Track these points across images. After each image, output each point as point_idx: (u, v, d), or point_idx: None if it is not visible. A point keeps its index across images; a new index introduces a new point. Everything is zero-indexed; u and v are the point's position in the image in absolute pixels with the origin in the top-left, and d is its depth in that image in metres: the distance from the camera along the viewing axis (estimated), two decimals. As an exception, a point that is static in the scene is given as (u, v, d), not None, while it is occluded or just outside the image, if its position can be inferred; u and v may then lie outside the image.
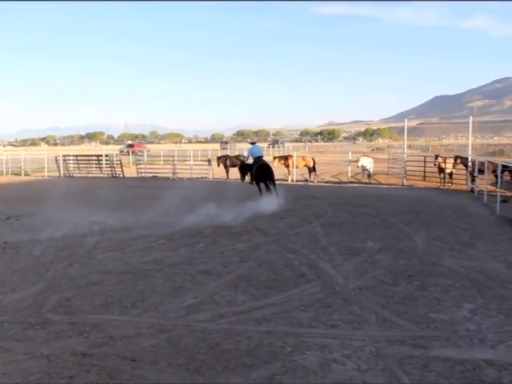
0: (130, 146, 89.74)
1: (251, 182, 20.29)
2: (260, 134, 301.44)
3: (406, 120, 31.37)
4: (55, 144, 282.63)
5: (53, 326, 6.36)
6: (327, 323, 6.34)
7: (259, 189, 19.51)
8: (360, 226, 13.27)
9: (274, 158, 31.29)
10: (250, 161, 20.36)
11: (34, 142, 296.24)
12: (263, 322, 6.39)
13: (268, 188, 19.14)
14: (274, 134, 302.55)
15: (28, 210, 16.80)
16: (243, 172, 21.62)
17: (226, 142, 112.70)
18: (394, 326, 6.22)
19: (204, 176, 30.62)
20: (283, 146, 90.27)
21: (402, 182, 26.19)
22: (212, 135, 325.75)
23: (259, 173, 19.51)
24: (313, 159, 29.81)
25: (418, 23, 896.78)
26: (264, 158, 20.32)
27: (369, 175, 28.04)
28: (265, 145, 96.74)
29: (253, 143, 20.92)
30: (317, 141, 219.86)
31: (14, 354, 5.55)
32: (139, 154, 50.11)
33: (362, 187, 24.88)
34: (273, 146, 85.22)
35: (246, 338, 5.85)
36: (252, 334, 5.95)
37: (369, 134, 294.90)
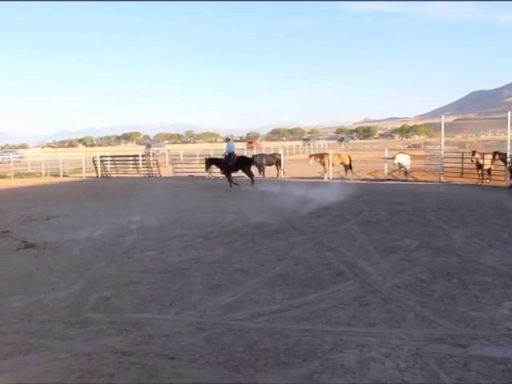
0: (149, 146, 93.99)
1: (225, 172, 25.12)
2: (295, 132, 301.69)
3: (442, 116, 30.94)
4: (92, 145, 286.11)
5: (93, 324, 6.43)
6: (365, 321, 6.30)
7: (230, 180, 24.48)
8: (397, 223, 13.17)
9: (310, 155, 31.23)
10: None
11: (71, 143, 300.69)
12: (301, 320, 6.37)
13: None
14: (308, 132, 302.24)
15: (67, 211, 17.02)
16: (209, 164, 26.77)
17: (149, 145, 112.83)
18: (433, 325, 6.16)
19: (240, 175, 30.68)
20: (313, 144, 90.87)
21: (440, 179, 25.94)
22: (247, 134, 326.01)
23: (242, 162, 24.77)
24: (349, 157, 29.72)
25: (454, 18, 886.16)
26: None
27: (405, 172, 27.83)
28: (299, 143, 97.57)
29: (228, 139, 25.03)
30: (352, 138, 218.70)
31: (56, 352, 5.62)
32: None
33: (398, 184, 24.67)
34: (305, 145, 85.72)
35: (284, 336, 5.84)
36: (290, 333, 5.93)
37: (405, 131, 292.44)
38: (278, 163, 30.74)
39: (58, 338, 6.04)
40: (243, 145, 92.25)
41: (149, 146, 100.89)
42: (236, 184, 24.40)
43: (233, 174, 24.94)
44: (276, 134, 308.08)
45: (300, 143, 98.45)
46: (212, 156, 30.07)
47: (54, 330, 6.27)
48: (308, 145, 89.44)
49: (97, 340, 5.91)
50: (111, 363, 5.28)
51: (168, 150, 60.70)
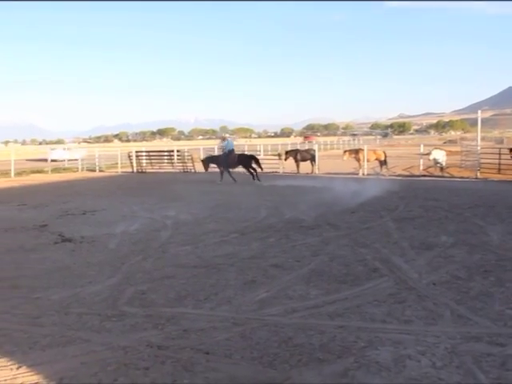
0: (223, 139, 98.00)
1: (224, 169, 26.08)
2: (330, 128, 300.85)
3: (479, 111, 30.51)
4: (127, 140, 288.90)
5: (129, 318, 6.49)
6: (401, 319, 6.26)
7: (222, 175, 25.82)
8: (433, 220, 13.06)
9: (345, 151, 31.13)
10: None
11: (107, 139, 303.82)
12: (336, 316, 6.36)
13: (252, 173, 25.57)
14: (343, 128, 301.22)
15: (103, 205, 17.21)
16: (208, 164, 27.83)
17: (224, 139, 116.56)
18: (470, 323, 6.10)
19: (274, 170, 30.67)
20: (358, 140, 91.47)
21: (476, 175, 25.64)
22: (282, 129, 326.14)
23: (243, 160, 26.28)
24: (384, 152, 29.53)
25: (490, 12, 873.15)
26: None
27: (441, 168, 27.52)
28: (334, 138, 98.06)
29: (224, 138, 25.90)
30: (387, 134, 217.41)
31: (92, 344, 5.70)
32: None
33: (434, 181, 24.47)
34: (354, 140, 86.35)
35: (318, 332, 5.84)
36: (325, 329, 5.93)
37: (441, 127, 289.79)
38: (312, 159, 30.68)
39: (94, 330, 6.12)
40: (297, 139, 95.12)
41: (224, 140, 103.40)
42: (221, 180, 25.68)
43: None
44: (310, 130, 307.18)
45: (346, 138, 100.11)
46: (210, 155, 31.08)
47: (91, 323, 6.35)
48: (357, 140, 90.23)
49: (133, 333, 5.97)
50: (147, 357, 5.33)
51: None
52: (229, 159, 25.88)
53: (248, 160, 26.62)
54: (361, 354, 5.25)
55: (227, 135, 27.94)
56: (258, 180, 25.19)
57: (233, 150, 26.60)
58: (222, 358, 5.24)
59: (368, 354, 5.24)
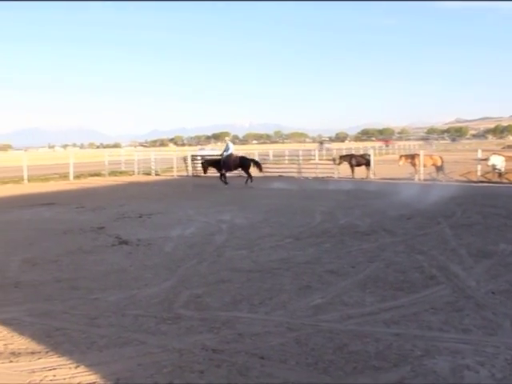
0: (321, 143, 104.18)
1: (227, 171, 27.21)
2: (385, 133, 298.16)
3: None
4: (183, 144, 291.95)
5: (184, 321, 6.54)
6: (459, 328, 6.14)
7: (224, 179, 26.94)
8: (491, 227, 12.80)
9: (401, 156, 30.82)
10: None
11: (162, 143, 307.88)
12: (392, 324, 6.29)
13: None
14: (399, 133, 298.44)
15: (159, 209, 17.40)
16: (207, 167, 28.56)
17: (322, 143, 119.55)
18: (531, 334, 5.96)
19: (329, 175, 30.53)
20: (431, 144, 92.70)
21: (536, 182, 25.04)
22: (336, 134, 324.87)
23: (244, 162, 27.48)
24: (441, 158, 29.10)
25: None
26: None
27: (500, 174, 26.97)
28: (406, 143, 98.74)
29: (227, 141, 27.33)
30: (444, 139, 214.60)
31: (148, 346, 5.76)
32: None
33: (492, 187, 24.01)
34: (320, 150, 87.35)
35: (374, 339, 5.78)
36: (380, 336, 5.86)
37: (499, 131, 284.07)
38: (367, 164, 30.45)
39: (150, 332, 6.18)
40: (375, 144, 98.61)
41: (321, 144, 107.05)
42: (227, 183, 26.95)
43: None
44: (365, 135, 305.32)
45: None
46: (209, 157, 31.41)
47: (147, 325, 6.42)
48: (429, 145, 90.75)
49: (188, 336, 6.01)
50: (202, 360, 5.35)
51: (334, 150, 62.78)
52: (229, 162, 26.92)
53: (249, 163, 28.06)
54: (417, 363, 5.17)
55: (227, 138, 29.04)
56: (251, 182, 26.73)
57: (232, 153, 27.49)
58: (277, 363, 5.23)
59: (425, 363, 5.16)
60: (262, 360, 5.30)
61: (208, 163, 28.50)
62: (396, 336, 5.86)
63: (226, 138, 29.90)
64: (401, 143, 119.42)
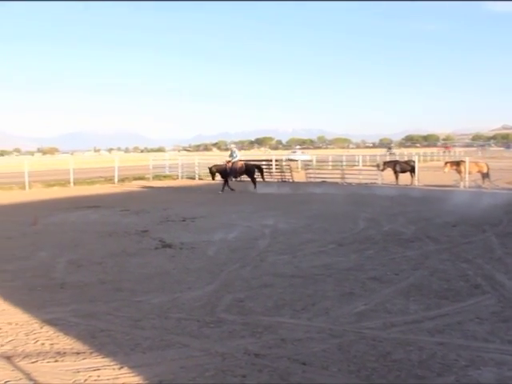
0: (390, 148, 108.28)
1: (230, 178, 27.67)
2: (429, 139, 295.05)
3: None
4: (226, 149, 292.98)
5: (227, 325, 6.56)
6: (504, 338, 6.02)
7: (228, 185, 27.06)
8: (540, 236, 12.54)
9: (446, 163, 30.47)
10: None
11: (206, 147, 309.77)
12: (436, 332, 6.20)
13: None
14: (443, 139, 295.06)
15: (202, 213, 17.52)
16: (215, 173, 28.55)
17: (390, 148, 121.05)
18: None
19: (372, 181, 30.31)
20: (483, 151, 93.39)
21: None
22: (380, 140, 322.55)
23: (249, 169, 27.89)
24: (486, 165, 28.66)
25: None
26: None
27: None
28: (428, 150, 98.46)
29: (232, 148, 28.39)
30: (490, 146, 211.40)
31: (191, 349, 5.79)
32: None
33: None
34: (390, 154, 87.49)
35: (417, 348, 5.71)
36: (424, 345, 5.79)
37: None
38: (412, 170, 30.16)
39: (193, 336, 6.22)
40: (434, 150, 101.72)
41: (390, 148, 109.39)
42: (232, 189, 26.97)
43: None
44: (409, 141, 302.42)
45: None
46: (217, 164, 30.38)
47: (190, 328, 6.45)
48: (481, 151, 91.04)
49: (230, 340, 6.03)
50: (244, 364, 5.36)
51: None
52: (236, 169, 27.34)
53: (254, 169, 28.48)
54: (462, 373, 5.09)
55: (233, 145, 29.53)
56: (255, 188, 27.25)
57: (238, 160, 28.02)
58: (319, 370, 5.20)
59: (470, 374, 5.08)
60: (303, 366, 5.29)
61: (216, 170, 28.49)
62: (440, 345, 5.78)
63: (232, 145, 30.21)
64: (459, 149, 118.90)
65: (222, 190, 26.59)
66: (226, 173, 27.52)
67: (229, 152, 29.16)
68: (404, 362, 5.35)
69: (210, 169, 28.92)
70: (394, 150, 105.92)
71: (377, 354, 5.57)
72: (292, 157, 57.36)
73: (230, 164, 27.36)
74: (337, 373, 5.14)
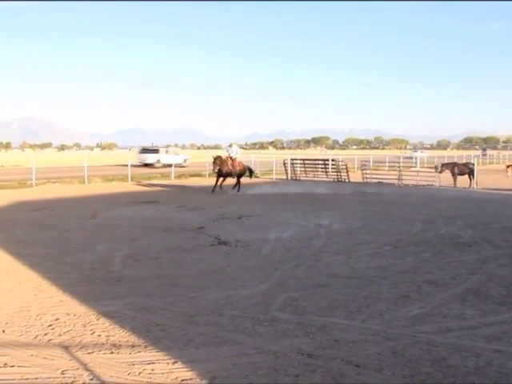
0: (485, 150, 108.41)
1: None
2: (489, 141, 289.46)
3: None
4: (282, 148, 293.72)
5: (280, 324, 6.56)
6: None
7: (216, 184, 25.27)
8: None
9: (508, 166, 29.92)
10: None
11: (262, 146, 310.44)
12: (493, 339, 6.07)
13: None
14: (504, 142, 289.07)
15: (257, 211, 17.57)
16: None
17: (485, 149, 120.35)
18: None
19: (430, 183, 29.88)
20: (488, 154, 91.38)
21: None
22: (438, 141, 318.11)
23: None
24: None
25: None
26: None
27: None
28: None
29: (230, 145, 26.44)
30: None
31: (244, 347, 5.81)
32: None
33: None
34: (483, 155, 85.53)
35: (474, 355, 5.60)
36: (481, 352, 5.67)
37: None
38: (470, 173, 29.63)
39: (246, 333, 6.24)
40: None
41: (485, 150, 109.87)
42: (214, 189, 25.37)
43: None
44: (468, 143, 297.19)
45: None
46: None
47: (243, 326, 6.48)
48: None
49: (284, 339, 6.03)
50: (297, 364, 5.36)
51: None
52: (234, 167, 25.90)
53: (245, 171, 27.51)
54: (520, 382, 4.98)
55: (233, 142, 27.66)
56: (238, 191, 25.77)
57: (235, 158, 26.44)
58: (373, 373, 5.16)
59: (528, 383, 4.97)
60: (357, 368, 5.25)
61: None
62: (497, 352, 5.67)
63: (232, 142, 28.17)
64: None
65: (213, 190, 25.22)
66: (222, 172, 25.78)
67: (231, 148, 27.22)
68: (460, 369, 5.26)
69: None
70: (489, 151, 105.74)
71: (432, 358, 5.50)
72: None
73: (230, 161, 26.01)
74: (391, 376, 5.09)
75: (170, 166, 37.18)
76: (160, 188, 27.96)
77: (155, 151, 53.33)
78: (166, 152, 53.92)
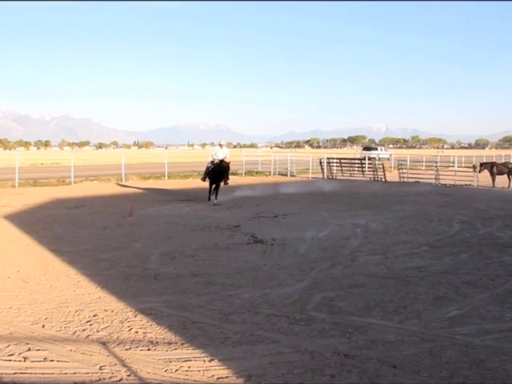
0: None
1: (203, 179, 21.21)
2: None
3: None
4: (318, 146, 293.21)
5: (316, 323, 6.55)
6: None
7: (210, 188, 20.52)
8: None
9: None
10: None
11: (298, 144, 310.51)
12: (533, 343, 5.99)
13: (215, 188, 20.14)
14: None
15: (294, 210, 17.56)
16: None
17: None
18: None
19: (468, 183, 29.51)
20: None
21: None
22: (476, 141, 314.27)
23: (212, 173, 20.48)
24: None
25: None
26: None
27: None
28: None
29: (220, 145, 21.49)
30: None
31: (281, 346, 5.81)
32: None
33: None
34: None
35: (513, 358, 5.53)
36: (520, 355, 5.60)
37: None
38: (509, 172, 29.17)
39: (282, 332, 6.25)
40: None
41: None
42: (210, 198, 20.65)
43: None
44: (507, 142, 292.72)
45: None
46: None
47: (280, 325, 6.49)
48: None
49: (320, 339, 6.02)
50: (333, 364, 5.34)
51: None
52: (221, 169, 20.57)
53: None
54: (560, 387, 4.89)
55: (222, 141, 22.58)
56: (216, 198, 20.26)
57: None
58: (410, 374, 5.12)
59: None
60: (394, 369, 5.22)
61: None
62: (537, 356, 5.58)
63: (222, 141, 22.35)
64: None
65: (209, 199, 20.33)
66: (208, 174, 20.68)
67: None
68: (499, 372, 5.19)
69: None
70: None
71: (470, 361, 5.43)
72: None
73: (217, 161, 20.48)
74: (428, 378, 5.04)
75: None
76: (196, 186, 28.03)
77: (375, 149, 76.05)
78: (381, 150, 76.96)
